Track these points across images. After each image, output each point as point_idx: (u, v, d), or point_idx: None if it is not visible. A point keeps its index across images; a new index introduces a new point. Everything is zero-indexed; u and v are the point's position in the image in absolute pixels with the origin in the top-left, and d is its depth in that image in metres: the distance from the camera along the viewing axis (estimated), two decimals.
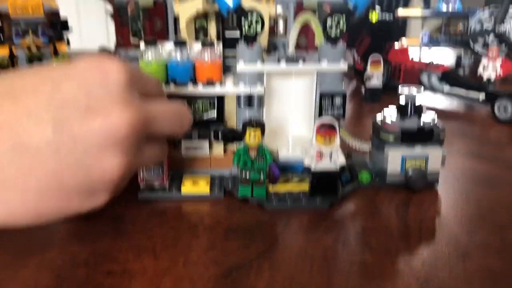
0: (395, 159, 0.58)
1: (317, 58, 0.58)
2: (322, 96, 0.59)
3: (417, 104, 0.59)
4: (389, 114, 0.61)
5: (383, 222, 0.51)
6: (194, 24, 1.03)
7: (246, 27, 0.56)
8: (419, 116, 0.59)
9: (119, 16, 1.19)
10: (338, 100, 0.59)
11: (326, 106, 0.59)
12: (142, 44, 0.57)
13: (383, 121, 0.60)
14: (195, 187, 0.55)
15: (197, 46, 0.58)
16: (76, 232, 0.47)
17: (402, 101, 0.60)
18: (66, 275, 0.40)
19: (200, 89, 0.56)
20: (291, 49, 0.62)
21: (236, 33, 1.05)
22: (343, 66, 0.58)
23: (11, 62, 0.96)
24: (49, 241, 0.45)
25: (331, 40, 0.58)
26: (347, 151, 0.65)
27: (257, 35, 0.56)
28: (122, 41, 1.22)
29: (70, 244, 0.45)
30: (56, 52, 0.99)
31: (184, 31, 1.01)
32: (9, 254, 0.43)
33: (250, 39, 0.57)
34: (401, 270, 0.42)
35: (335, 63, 0.58)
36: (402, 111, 0.59)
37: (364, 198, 0.57)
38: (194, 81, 0.57)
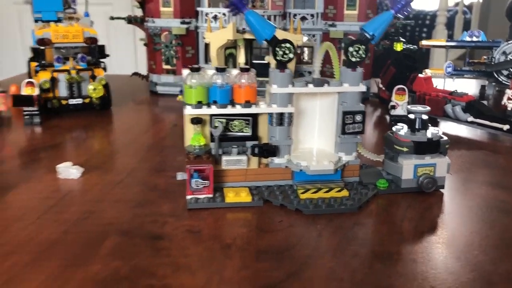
0: (409, 167, 0.69)
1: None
2: (344, 114, 0.68)
3: (423, 119, 0.70)
4: (400, 129, 0.71)
5: (405, 227, 0.58)
6: (224, 52, 1.13)
7: (280, 55, 0.63)
8: (426, 130, 0.70)
9: (152, 43, 1.30)
10: (358, 117, 0.69)
11: (348, 123, 0.68)
12: (187, 71, 0.64)
13: (395, 135, 0.70)
14: (237, 197, 0.64)
15: (235, 72, 0.66)
16: (117, 249, 0.54)
17: (411, 117, 0.70)
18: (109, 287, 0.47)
19: (238, 110, 0.64)
20: (316, 73, 0.69)
21: (263, 61, 1.14)
22: (362, 87, 0.68)
23: (52, 85, 1.05)
24: (93, 257, 0.52)
25: (352, 65, 0.68)
26: (364, 163, 0.74)
27: (288, 62, 0.64)
28: (155, 66, 1.33)
29: (112, 260, 0.52)
30: (93, 77, 1.08)
31: (215, 59, 1.10)
32: (58, 266, 0.51)
33: (283, 66, 0.64)
34: None
35: (355, 85, 0.68)
36: (411, 126, 0.70)
37: (384, 202, 0.66)
38: (233, 103, 0.64)
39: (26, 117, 1.00)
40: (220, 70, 0.65)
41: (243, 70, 0.65)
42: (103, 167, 0.78)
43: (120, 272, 0.49)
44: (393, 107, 1.02)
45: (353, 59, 0.66)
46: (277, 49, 0.64)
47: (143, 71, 1.43)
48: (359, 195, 0.66)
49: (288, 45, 0.64)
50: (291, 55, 0.65)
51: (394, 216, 0.63)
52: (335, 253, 0.53)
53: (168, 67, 1.32)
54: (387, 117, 1.10)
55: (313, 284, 0.47)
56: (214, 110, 0.65)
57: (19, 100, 0.99)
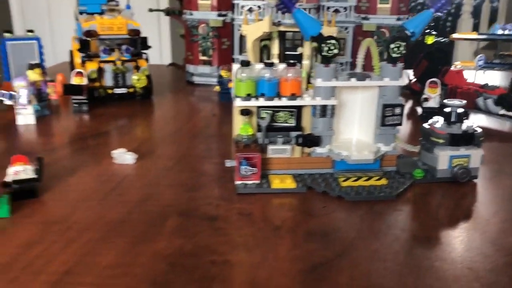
0: (444, 158, 0.72)
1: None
2: (384, 107, 0.72)
3: (459, 113, 0.73)
4: (437, 122, 0.75)
5: (443, 213, 0.63)
6: (259, 43, 1.17)
7: (325, 50, 0.67)
8: (461, 123, 0.73)
9: (190, 35, 1.35)
10: (398, 110, 0.73)
11: (388, 115, 0.73)
12: (236, 65, 0.69)
13: (432, 127, 0.74)
14: (282, 183, 0.68)
15: (282, 66, 0.70)
16: (178, 228, 0.60)
17: (447, 111, 0.74)
18: (177, 262, 0.53)
19: (284, 102, 0.68)
20: (359, 68, 0.73)
21: (294, 52, 1.18)
22: (401, 82, 0.72)
23: (99, 75, 1.11)
24: (157, 235, 0.58)
25: (392, 61, 0.72)
26: (401, 153, 0.77)
27: (333, 58, 0.68)
28: (192, 57, 1.38)
29: (176, 238, 0.58)
30: (137, 67, 1.14)
31: (250, 50, 1.14)
32: (127, 243, 0.56)
33: (327, 61, 0.68)
34: (465, 275, 0.51)
35: (395, 80, 0.72)
36: (447, 119, 0.74)
37: (420, 190, 0.70)
38: (279, 95, 0.68)
39: (75, 105, 1.07)
40: (268, 64, 0.70)
41: (289, 64, 0.70)
42: (154, 153, 0.84)
43: (184, 248, 0.54)
44: (426, 99, 1.05)
45: (394, 55, 0.70)
46: (323, 45, 0.68)
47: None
48: (396, 183, 0.70)
49: (333, 41, 0.68)
50: (335, 51, 0.69)
51: (430, 204, 0.67)
52: (377, 236, 0.58)
53: (205, 58, 1.36)
54: (419, 109, 1.13)
55: (360, 264, 0.52)
56: (262, 102, 0.69)
57: (70, 89, 1.06)
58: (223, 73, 1.20)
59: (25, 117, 0.97)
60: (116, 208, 0.63)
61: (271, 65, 0.69)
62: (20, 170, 0.66)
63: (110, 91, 1.13)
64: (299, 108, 0.71)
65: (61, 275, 0.49)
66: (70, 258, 0.51)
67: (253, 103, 0.69)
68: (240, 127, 0.70)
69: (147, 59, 1.19)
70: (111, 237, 0.56)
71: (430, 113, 1.04)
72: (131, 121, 1.06)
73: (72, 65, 1.28)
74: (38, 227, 0.58)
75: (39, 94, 1.02)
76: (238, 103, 0.69)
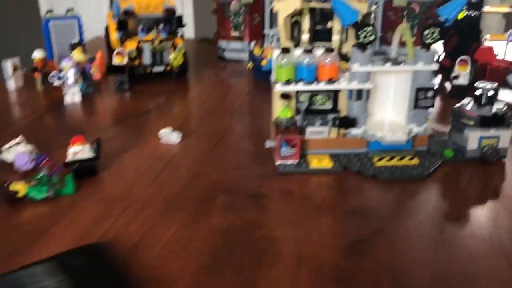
0: (474, 139, 0.76)
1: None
2: (418, 90, 0.76)
3: (490, 95, 0.76)
4: (467, 103, 0.78)
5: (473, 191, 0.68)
6: (290, 19, 1.20)
7: (362, 37, 0.71)
8: (492, 105, 0.76)
9: (222, 11, 1.38)
10: (430, 93, 0.77)
11: (421, 98, 0.76)
12: (277, 51, 0.73)
13: (463, 108, 0.78)
14: (320, 163, 0.73)
15: (319, 52, 0.74)
16: (228, 205, 0.66)
17: (478, 93, 0.77)
18: (230, 237, 0.58)
19: (322, 86, 0.73)
20: (393, 53, 0.77)
21: (323, 27, 1.21)
22: (434, 66, 0.76)
23: (138, 54, 1.16)
24: (210, 211, 0.64)
25: (426, 46, 0.75)
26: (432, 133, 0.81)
27: (369, 44, 0.72)
28: (224, 33, 1.41)
29: (227, 214, 0.63)
30: (174, 46, 1.18)
31: (282, 26, 1.17)
32: (184, 218, 0.62)
33: (364, 47, 0.72)
34: (493, 252, 0.56)
35: (428, 64, 0.75)
36: (478, 101, 0.77)
37: (450, 170, 0.75)
38: (317, 80, 0.73)
39: (117, 84, 1.12)
40: (307, 50, 0.74)
41: (327, 50, 0.74)
42: (196, 132, 0.90)
43: (235, 224, 0.60)
44: (456, 77, 1.07)
45: (428, 41, 0.73)
46: (360, 32, 0.72)
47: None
48: (428, 163, 0.75)
49: (370, 28, 0.72)
50: (371, 38, 0.72)
51: (460, 183, 0.72)
52: (411, 214, 0.63)
53: (236, 33, 1.40)
54: (448, 85, 1.16)
55: (396, 240, 0.58)
56: (301, 87, 0.74)
57: (113, 69, 1.11)
58: (256, 50, 1.24)
59: (72, 96, 1.04)
60: (169, 186, 0.69)
61: (310, 51, 0.73)
62: (79, 150, 0.72)
63: (148, 70, 1.19)
64: (336, 92, 0.76)
65: (130, 248, 0.55)
66: (136, 233, 0.58)
67: (292, 87, 0.74)
68: (280, 110, 0.75)
69: (182, 37, 1.23)
70: (170, 213, 0.63)
71: (459, 90, 1.07)
72: (170, 99, 1.11)
73: (108, 42, 1.33)
74: (101, 203, 0.65)
75: (83, 74, 1.08)
76: (279, 88, 0.74)
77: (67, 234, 0.58)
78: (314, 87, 0.74)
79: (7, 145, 0.76)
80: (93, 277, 0.50)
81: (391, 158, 0.75)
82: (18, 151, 0.74)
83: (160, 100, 1.10)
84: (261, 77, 1.20)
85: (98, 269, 0.51)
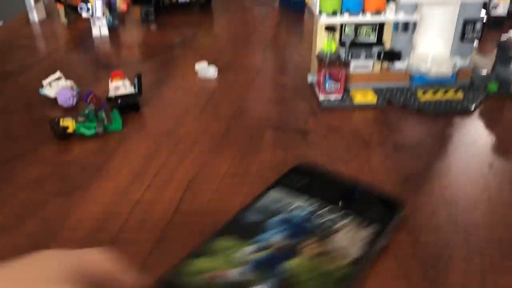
0: None
1: None
2: (465, 22, 0.74)
3: None
4: None
5: None
6: None
7: None
8: None
9: None
10: (478, 25, 0.75)
11: (468, 30, 0.74)
12: None
13: (510, 42, 0.76)
14: (364, 98, 0.73)
15: None
16: (275, 141, 0.66)
17: None
18: (283, 172, 0.57)
19: (368, 18, 0.70)
20: None
21: None
22: None
23: None
24: (260, 147, 0.64)
25: None
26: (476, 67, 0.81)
27: None
28: None
29: (277, 150, 0.64)
30: None
31: None
32: (236, 154, 0.62)
33: None
34: None
35: None
36: None
37: (495, 103, 0.75)
38: (364, 11, 0.70)
39: (143, 15, 1.09)
40: None
41: None
42: (232, 66, 0.88)
43: (286, 159, 0.61)
44: (494, 7, 1.04)
45: None
46: None
47: None
48: (472, 96, 0.74)
49: None
50: None
51: (506, 118, 0.72)
52: (460, 148, 0.63)
53: None
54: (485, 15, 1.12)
55: (447, 174, 0.58)
56: (346, 18, 0.71)
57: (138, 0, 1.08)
58: None
59: (100, 28, 1.01)
60: (215, 122, 0.69)
61: None
62: (120, 85, 0.72)
63: (174, 0, 1.15)
64: (381, 24, 0.73)
65: (188, 182, 0.56)
66: (190, 168, 0.59)
67: (338, 19, 0.71)
68: (324, 43, 0.73)
69: None
70: (220, 149, 0.63)
71: (497, 21, 1.04)
72: (198, 31, 1.09)
73: None
74: (150, 140, 0.65)
75: (109, 5, 1.05)
76: (324, 20, 0.71)
77: (123, 170, 0.59)
78: (360, 18, 0.72)
79: (47, 80, 0.75)
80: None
81: (436, 92, 0.74)
82: (59, 87, 0.73)
83: (187, 32, 1.07)
84: (288, 4, 1.17)
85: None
